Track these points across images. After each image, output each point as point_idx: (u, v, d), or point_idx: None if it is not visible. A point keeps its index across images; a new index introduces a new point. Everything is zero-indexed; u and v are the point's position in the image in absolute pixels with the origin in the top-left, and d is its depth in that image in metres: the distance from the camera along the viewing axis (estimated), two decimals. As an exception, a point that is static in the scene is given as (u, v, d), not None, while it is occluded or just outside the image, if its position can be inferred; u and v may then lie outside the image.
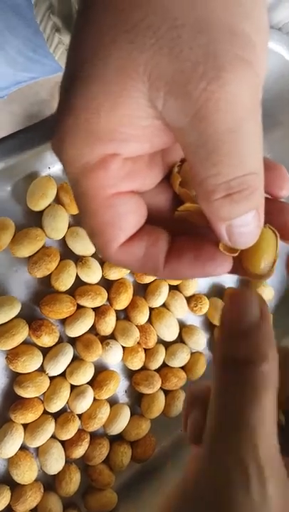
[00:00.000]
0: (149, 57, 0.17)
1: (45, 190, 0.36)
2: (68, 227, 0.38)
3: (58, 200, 0.38)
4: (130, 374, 0.43)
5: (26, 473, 0.36)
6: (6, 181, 0.36)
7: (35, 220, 0.38)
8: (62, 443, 0.39)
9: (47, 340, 0.37)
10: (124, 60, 0.17)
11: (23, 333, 0.36)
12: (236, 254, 0.21)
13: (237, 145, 0.18)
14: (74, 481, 0.38)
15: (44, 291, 0.38)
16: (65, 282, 0.38)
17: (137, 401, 0.43)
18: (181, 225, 0.24)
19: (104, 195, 0.20)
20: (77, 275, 0.39)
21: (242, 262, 0.22)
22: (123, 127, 0.18)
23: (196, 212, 0.23)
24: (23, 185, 0.37)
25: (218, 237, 0.21)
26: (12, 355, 0.36)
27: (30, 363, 0.37)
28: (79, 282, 0.39)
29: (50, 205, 0.37)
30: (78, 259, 0.39)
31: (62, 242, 0.39)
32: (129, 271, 0.41)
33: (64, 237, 0.39)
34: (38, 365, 0.37)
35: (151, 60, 0.17)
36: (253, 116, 0.18)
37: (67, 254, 0.39)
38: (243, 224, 0.20)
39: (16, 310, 0.36)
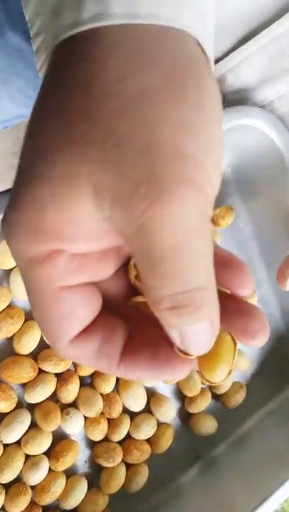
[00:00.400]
0: (92, 170, 0.17)
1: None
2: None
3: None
4: (92, 443, 0.41)
5: None
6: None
7: (4, 278, 0.37)
8: (11, 517, 0.36)
9: (3, 406, 0.35)
10: (69, 168, 0.17)
11: (-24, 399, 0.35)
12: (193, 357, 0.20)
13: (181, 263, 0.17)
14: None
15: (3, 352, 0.37)
16: (26, 346, 0.36)
17: (98, 472, 0.41)
18: (139, 313, 0.23)
19: (53, 289, 0.20)
20: (41, 337, 0.38)
21: (198, 365, 0.21)
22: (70, 227, 0.18)
23: (149, 307, 0.22)
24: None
25: (171, 340, 0.20)
26: None
27: (-17, 430, 0.35)
28: (43, 344, 0.38)
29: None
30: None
31: (27, 303, 0.38)
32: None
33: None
34: (-9, 432, 0.35)
35: (95, 173, 0.17)
36: (199, 236, 0.18)
37: (31, 314, 0.38)
38: (195, 332, 0.19)
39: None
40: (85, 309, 0.21)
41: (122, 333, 0.22)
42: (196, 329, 0.19)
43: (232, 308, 0.22)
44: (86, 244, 0.19)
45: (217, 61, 0.39)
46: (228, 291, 0.22)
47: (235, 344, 0.21)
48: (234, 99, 0.40)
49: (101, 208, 0.17)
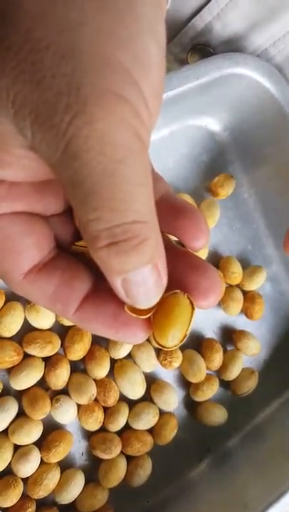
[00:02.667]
0: (11, 82, 0.15)
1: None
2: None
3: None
4: (89, 434, 0.39)
5: None
6: None
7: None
8: (4, 511, 0.35)
9: (-14, 392, 0.34)
10: None
11: None
12: (146, 316, 0.20)
13: (117, 190, 0.16)
14: None
15: (-14, 337, 0.36)
16: (9, 327, 0.35)
17: (96, 466, 0.39)
18: None
19: None
20: (25, 320, 0.36)
21: (152, 328, 0.20)
22: None
23: None
24: None
25: (115, 292, 0.19)
26: None
27: None
28: (28, 327, 0.37)
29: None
30: (27, 302, 0.36)
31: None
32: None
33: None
34: (-26, 421, 0.34)
35: (13, 85, 0.15)
36: (136, 160, 0.16)
37: (14, 295, 0.37)
38: (139, 280, 0.18)
39: None
40: (30, 239, 0.20)
41: (86, 282, 0.22)
42: (139, 277, 0.18)
43: (183, 265, 0.21)
44: (12, 173, 0.18)
45: (201, 8, 0.37)
46: (179, 247, 0.22)
47: (192, 308, 0.20)
48: (224, 52, 0.38)
49: (23, 129, 0.16)
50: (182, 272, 0.21)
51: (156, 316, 0.20)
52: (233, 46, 0.38)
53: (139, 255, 0.17)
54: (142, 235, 0.17)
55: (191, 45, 0.42)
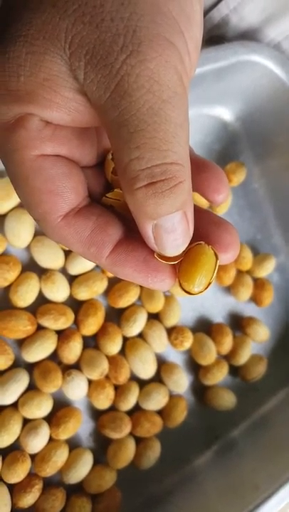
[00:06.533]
0: (71, 24, 0.17)
1: (9, 191, 0.35)
2: (34, 237, 0.37)
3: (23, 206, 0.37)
4: (96, 415, 0.39)
5: None
6: None
7: (-2, 225, 0.36)
8: (9, 487, 0.35)
9: (-2, 361, 0.34)
10: (47, 24, 0.17)
11: None
12: (175, 263, 0.21)
13: (160, 129, 0.17)
14: (19, 536, 0.34)
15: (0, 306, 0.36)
16: (24, 297, 0.36)
17: (104, 448, 0.39)
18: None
19: (30, 157, 0.20)
20: (39, 293, 0.37)
21: (178, 275, 0.22)
22: (44, 92, 0.18)
23: (124, 203, 0.23)
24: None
25: (145, 238, 0.20)
26: None
27: (-24, 386, 0.34)
28: (42, 300, 0.37)
29: (14, 208, 0.36)
30: (43, 273, 0.37)
31: (25, 253, 0.37)
32: (101, 291, 0.38)
33: (28, 247, 0.37)
34: (-15, 390, 0.34)
35: (73, 27, 0.17)
36: (179, 103, 0.18)
37: (30, 267, 0.37)
38: (170, 226, 0.19)
39: None
40: (69, 181, 0.21)
41: (118, 229, 0.23)
42: (170, 224, 0.19)
43: (205, 221, 0.23)
44: (58, 115, 0.19)
45: (218, 1, 0.39)
46: (200, 206, 0.23)
47: (216, 259, 0.21)
48: (239, 43, 0.40)
49: (76, 69, 0.17)
50: (205, 227, 0.22)
51: (183, 265, 0.21)
52: (247, 39, 0.41)
53: (174, 198, 0.18)
54: (179, 177, 0.18)
55: (206, 37, 0.44)
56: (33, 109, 0.19)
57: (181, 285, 0.22)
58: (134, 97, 0.17)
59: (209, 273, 0.21)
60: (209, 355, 0.41)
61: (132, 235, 0.22)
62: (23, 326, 0.35)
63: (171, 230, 0.19)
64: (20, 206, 0.36)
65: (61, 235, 0.22)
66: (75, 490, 0.37)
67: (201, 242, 0.21)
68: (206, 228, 0.22)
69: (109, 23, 0.17)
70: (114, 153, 0.19)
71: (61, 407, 0.37)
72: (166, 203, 0.18)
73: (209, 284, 0.22)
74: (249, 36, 0.40)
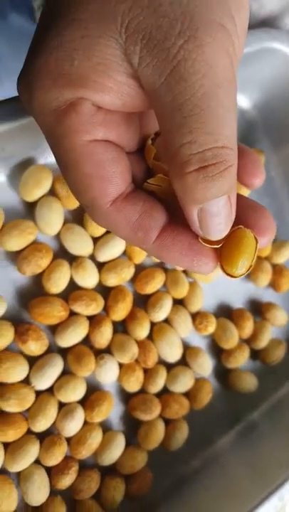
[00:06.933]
0: (127, 8, 0.17)
1: (40, 179, 0.36)
2: (64, 224, 0.38)
3: (53, 194, 0.37)
4: (126, 398, 0.40)
5: (5, 502, 0.33)
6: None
7: (27, 213, 0.37)
8: (47, 470, 0.36)
9: (34, 347, 0.35)
10: (104, 8, 0.18)
11: (7, 336, 0.34)
12: (217, 246, 0.22)
13: (214, 113, 0.18)
14: (58, 517, 0.35)
15: (32, 293, 0.37)
16: (57, 283, 0.36)
17: (133, 431, 0.40)
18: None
19: (81, 142, 0.20)
20: (70, 280, 0.38)
21: (220, 259, 0.23)
22: (97, 75, 0.19)
23: (166, 189, 0.24)
24: (19, 173, 0.36)
25: (189, 223, 0.21)
26: (-6, 360, 0.34)
27: (14, 371, 0.34)
28: (72, 287, 0.38)
29: (44, 196, 0.37)
30: (73, 260, 0.38)
31: (55, 240, 0.38)
32: (129, 278, 0.39)
33: (58, 235, 0.38)
34: (22, 376, 0.35)
35: (130, 11, 0.17)
36: (230, 87, 0.19)
37: (60, 254, 0.38)
38: (215, 211, 0.20)
39: (1, 309, 0.35)
40: (118, 167, 0.22)
41: (162, 215, 0.23)
42: (215, 208, 0.20)
43: (243, 206, 0.23)
44: (110, 99, 0.20)
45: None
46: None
47: (256, 242, 0.22)
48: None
49: (131, 54, 0.18)
50: (243, 212, 0.23)
51: (225, 248, 0.22)
52: (267, 26, 0.42)
53: (222, 182, 0.19)
54: (229, 161, 0.19)
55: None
56: (86, 94, 0.19)
57: (223, 268, 0.23)
58: (189, 82, 0.17)
59: (250, 256, 0.22)
60: (232, 339, 0.43)
61: (175, 220, 0.23)
62: (57, 312, 0.36)
63: (216, 214, 0.20)
64: (50, 194, 0.37)
65: (109, 220, 0.22)
66: (108, 472, 0.38)
67: (241, 226, 0.22)
68: (243, 213, 0.23)
69: (168, 8, 0.17)
70: (164, 137, 0.20)
71: (92, 391, 0.38)
72: (215, 186, 0.19)
73: (250, 267, 0.23)
74: (269, 24, 0.41)
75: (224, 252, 0.22)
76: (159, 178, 0.24)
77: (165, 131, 0.19)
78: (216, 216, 0.20)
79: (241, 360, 0.43)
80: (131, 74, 0.19)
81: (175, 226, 0.23)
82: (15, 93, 0.32)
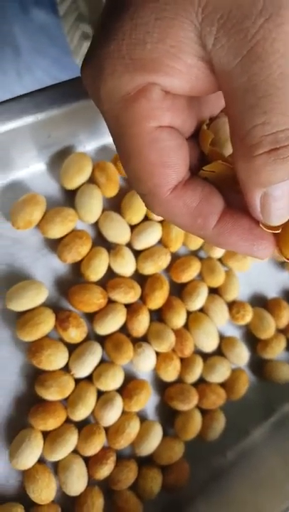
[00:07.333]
0: None
1: (81, 166, 0.35)
2: (102, 212, 0.37)
3: (92, 181, 0.37)
4: (162, 388, 0.40)
5: (44, 491, 0.33)
6: (40, 155, 0.36)
7: (67, 200, 0.37)
8: (85, 460, 0.35)
9: (74, 334, 0.35)
10: None
11: (49, 323, 0.34)
12: (278, 231, 0.22)
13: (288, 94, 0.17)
14: (97, 507, 0.35)
15: (71, 281, 0.37)
16: (96, 270, 0.36)
17: (169, 421, 0.40)
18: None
19: (148, 129, 0.20)
20: (107, 268, 0.37)
21: (278, 244, 0.23)
22: (169, 60, 0.18)
23: (223, 175, 0.23)
24: (58, 161, 0.36)
25: (250, 208, 0.21)
26: (36, 347, 0.34)
27: (56, 359, 0.34)
28: (110, 275, 0.38)
29: (84, 184, 0.36)
30: (111, 248, 0.37)
31: (94, 228, 0.38)
32: (165, 266, 0.39)
33: (96, 223, 0.37)
34: (63, 363, 0.35)
35: None
36: None
37: (98, 241, 0.38)
38: (279, 194, 0.20)
39: (42, 296, 0.35)
40: (181, 155, 0.21)
41: (221, 200, 0.23)
42: (279, 192, 0.19)
43: None
44: (179, 83, 0.19)
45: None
46: None
47: None
48: None
49: (206, 35, 0.17)
50: None
51: (284, 234, 0.22)
52: None
53: None
54: None
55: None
56: (156, 78, 0.19)
57: (282, 253, 0.23)
58: (266, 62, 0.17)
59: None
60: (269, 329, 0.42)
61: (231, 205, 0.23)
62: (96, 299, 0.36)
63: (279, 198, 0.20)
64: (90, 181, 0.37)
65: (169, 208, 0.22)
66: (145, 462, 0.38)
67: None
68: None
69: None
70: (233, 120, 0.19)
71: (128, 380, 0.38)
72: (282, 169, 0.18)
73: None
74: None
75: (283, 236, 0.22)
76: (216, 164, 0.23)
77: (235, 114, 0.18)
78: (278, 201, 0.20)
79: (278, 350, 0.43)
80: (201, 56, 0.18)
81: (234, 211, 0.22)
82: (34, 88, 0.32)
